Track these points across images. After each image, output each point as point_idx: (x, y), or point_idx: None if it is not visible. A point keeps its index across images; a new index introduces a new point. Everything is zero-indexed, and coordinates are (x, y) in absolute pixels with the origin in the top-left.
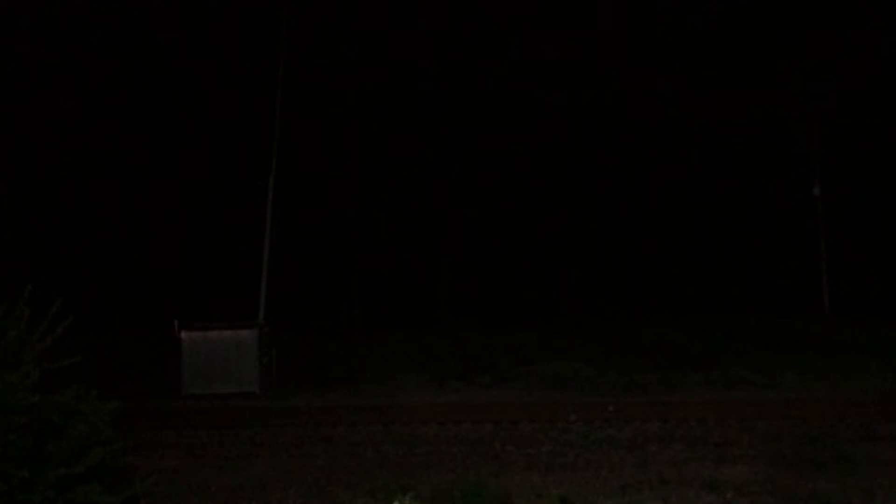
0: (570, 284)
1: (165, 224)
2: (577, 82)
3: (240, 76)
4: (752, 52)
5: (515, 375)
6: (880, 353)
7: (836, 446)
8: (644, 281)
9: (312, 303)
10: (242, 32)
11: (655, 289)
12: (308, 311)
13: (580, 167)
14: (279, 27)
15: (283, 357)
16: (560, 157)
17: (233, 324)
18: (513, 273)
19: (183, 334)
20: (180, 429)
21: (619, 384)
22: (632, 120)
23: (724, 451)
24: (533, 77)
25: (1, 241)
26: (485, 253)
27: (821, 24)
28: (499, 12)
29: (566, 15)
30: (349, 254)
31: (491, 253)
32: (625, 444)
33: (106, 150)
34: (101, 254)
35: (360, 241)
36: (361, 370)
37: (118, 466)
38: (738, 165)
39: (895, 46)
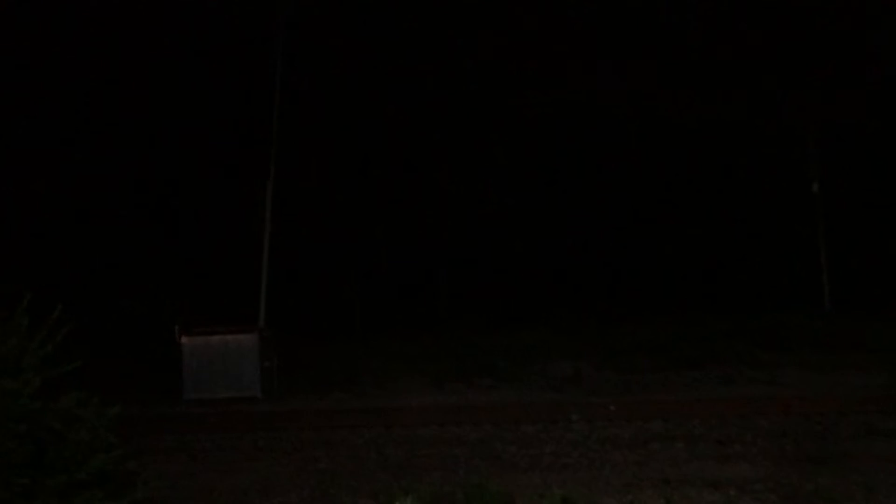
0: (569, 284)
1: (165, 228)
2: (575, 82)
3: (237, 80)
4: (749, 49)
5: (516, 376)
6: (881, 349)
7: (838, 443)
8: (643, 280)
9: (313, 306)
10: (239, 36)
11: (655, 287)
12: (308, 314)
13: (577, 167)
14: (276, 30)
15: (284, 361)
16: (557, 157)
17: (234, 328)
18: (512, 274)
19: (184, 339)
20: (182, 433)
21: (619, 383)
22: (628, 119)
23: (725, 448)
24: (530, 78)
25: None
26: (484, 254)
27: (818, 20)
28: (499, 15)
29: (564, 14)
30: (349, 257)
31: (490, 254)
32: (626, 443)
33: (103, 154)
34: (100, 259)
35: (360, 243)
36: (362, 373)
37: (120, 472)
38: (735, 162)
39: (892, 41)
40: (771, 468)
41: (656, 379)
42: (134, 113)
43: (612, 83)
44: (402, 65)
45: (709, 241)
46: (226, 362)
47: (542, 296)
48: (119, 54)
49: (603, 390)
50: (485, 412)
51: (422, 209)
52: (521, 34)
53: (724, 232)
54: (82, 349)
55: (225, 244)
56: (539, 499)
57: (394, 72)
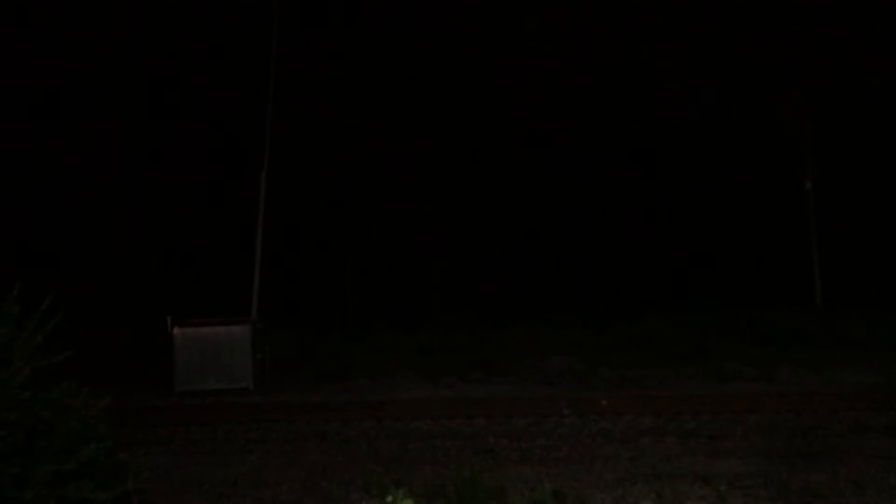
0: (562, 280)
1: (158, 220)
2: (572, 79)
3: (231, 71)
4: (745, 47)
5: (509, 370)
6: (872, 347)
7: (829, 439)
8: (636, 276)
9: (306, 298)
10: (233, 26)
11: (647, 284)
12: (301, 306)
13: (572, 163)
14: (270, 20)
15: (277, 353)
16: (553, 153)
17: (226, 320)
18: (505, 269)
19: (176, 330)
20: (173, 425)
21: (612, 378)
22: (625, 115)
23: (717, 444)
24: (527, 74)
25: None
26: (477, 249)
27: (813, 18)
28: (495, 9)
29: (564, 11)
30: (342, 250)
31: (484, 249)
32: (618, 437)
33: (99, 147)
34: (93, 250)
35: (354, 237)
36: (355, 366)
37: (110, 463)
38: (729, 160)
39: (885, 38)
40: (762, 464)
41: (648, 374)
42: (128, 106)
43: (606, 80)
44: (396, 59)
45: (702, 239)
46: (218, 354)
47: (535, 291)
48: (115, 48)
49: (595, 385)
50: (477, 406)
51: (416, 204)
52: (515, 30)
53: (717, 229)
54: (74, 339)
55: (218, 236)
56: (530, 492)
57: (388, 65)
